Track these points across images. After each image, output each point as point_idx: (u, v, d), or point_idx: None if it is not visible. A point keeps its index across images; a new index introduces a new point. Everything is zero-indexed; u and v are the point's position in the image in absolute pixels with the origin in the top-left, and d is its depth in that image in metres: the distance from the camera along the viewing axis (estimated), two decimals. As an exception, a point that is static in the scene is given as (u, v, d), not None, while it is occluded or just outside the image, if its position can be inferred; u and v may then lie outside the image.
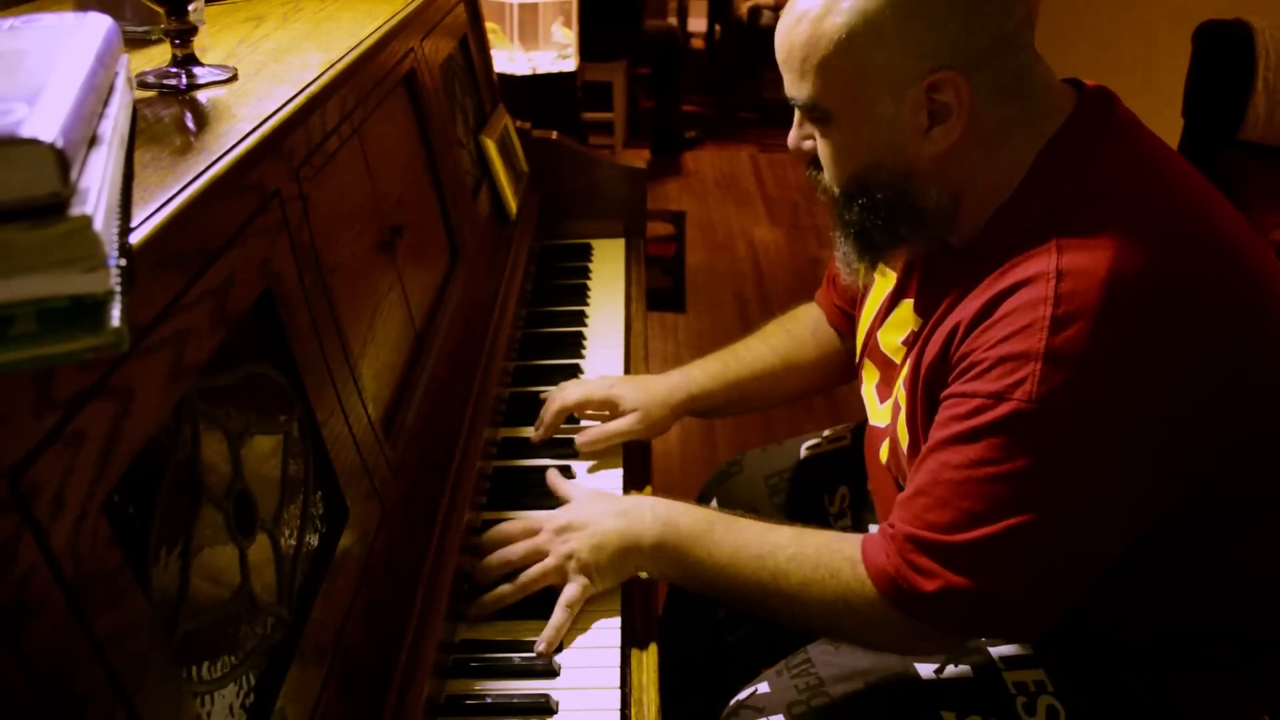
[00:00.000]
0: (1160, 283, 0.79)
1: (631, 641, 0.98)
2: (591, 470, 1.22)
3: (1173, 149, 0.90)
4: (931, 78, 0.83)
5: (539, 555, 1.00)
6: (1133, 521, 0.83)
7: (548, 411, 1.26)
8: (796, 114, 0.94)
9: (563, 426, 1.26)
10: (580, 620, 0.99)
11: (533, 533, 1.02)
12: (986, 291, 0.84)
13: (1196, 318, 0.79)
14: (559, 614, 0.97)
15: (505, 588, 0.99)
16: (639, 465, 1.25)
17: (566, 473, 1.21)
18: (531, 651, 0.95)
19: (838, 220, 0.95)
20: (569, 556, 0.99)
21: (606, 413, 1.27)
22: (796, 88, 0.89)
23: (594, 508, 1.03)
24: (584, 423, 1.28)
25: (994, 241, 0.87)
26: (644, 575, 1.03)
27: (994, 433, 0.80)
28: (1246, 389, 0.81)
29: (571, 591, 0.98)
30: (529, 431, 1.27)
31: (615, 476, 1.21)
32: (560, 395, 1.27)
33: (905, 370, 0.97)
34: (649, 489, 1.22)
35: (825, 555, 0.91)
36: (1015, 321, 0.80)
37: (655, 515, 0.99)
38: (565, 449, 1.25)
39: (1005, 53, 0.84)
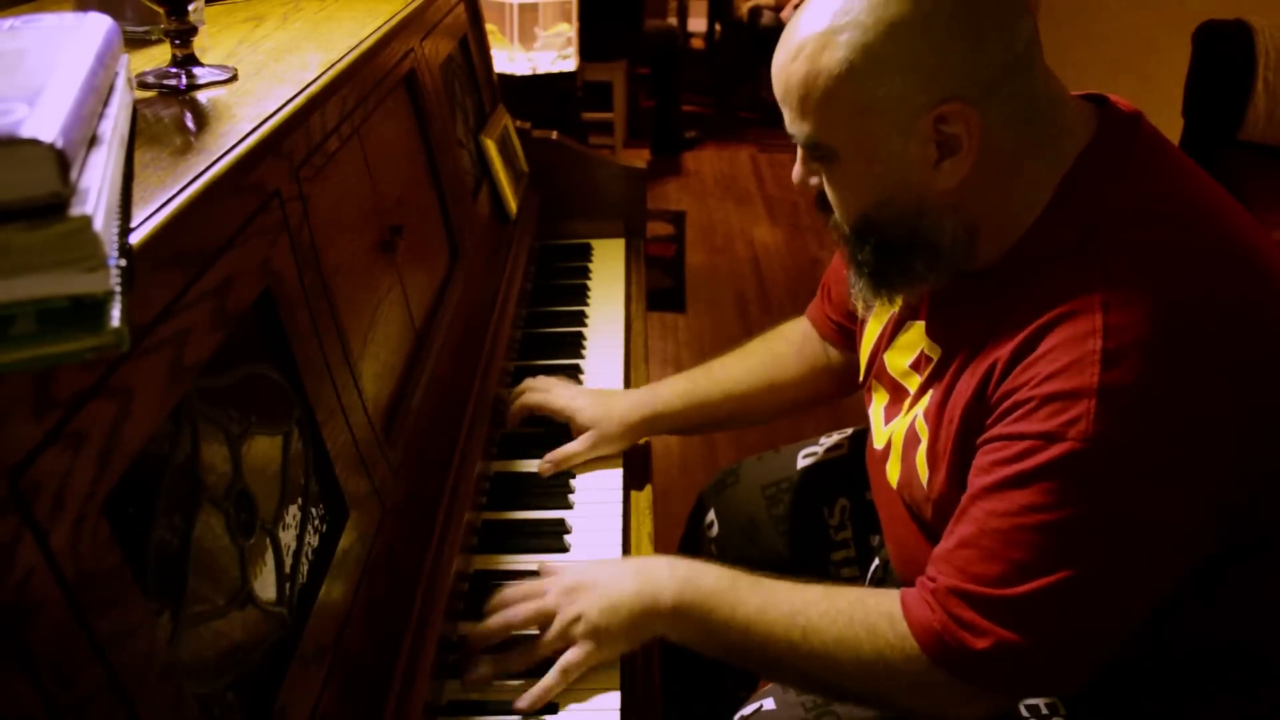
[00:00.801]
0: (1209, 309, 0.76)
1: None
2: (590, 470, 1.22)
3: (1198, 166, 0.87)
4: (938, 109, 0.79)
5: (545, 617, 0.92)
6: (1180, 562, 0.80)
7: (514, 407, 1.26)
8: (799, 150, 0.90)
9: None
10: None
11: (538, 594, 0.94)
12: (1024, 325, 0.80)
13: (1247, 343, 0.77)
14: (553, 676, 0.88)
15: (510, 656, 0.91)
16: (639, 466, 1.25)
17: (569, 438, 1.21)
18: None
19: (850, 260, 0.91)
20: (576, 619, 0.90)
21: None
22: (797, 126, 0.85)
23: (605, 568, 0.96)
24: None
25: (1021, 267, 0.84)
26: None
27: (1046, 476, 0.76)
28: None
29: (573, 656, 0.89)
30: (529, 432, 1.28)
31: (615, 477, 1.21)
32: (526, 395, 1.26)
33: (926, 403, 0.92)
34: (649, 488, 1.23)
35: (861, 611, 0.86)
36: (1062, 357, 0.76)
37: (674, 573, 0.92)
38: (565, 439, 1.24)
39: (1014, 77, 0.80)
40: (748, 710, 1.00)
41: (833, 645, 0.85)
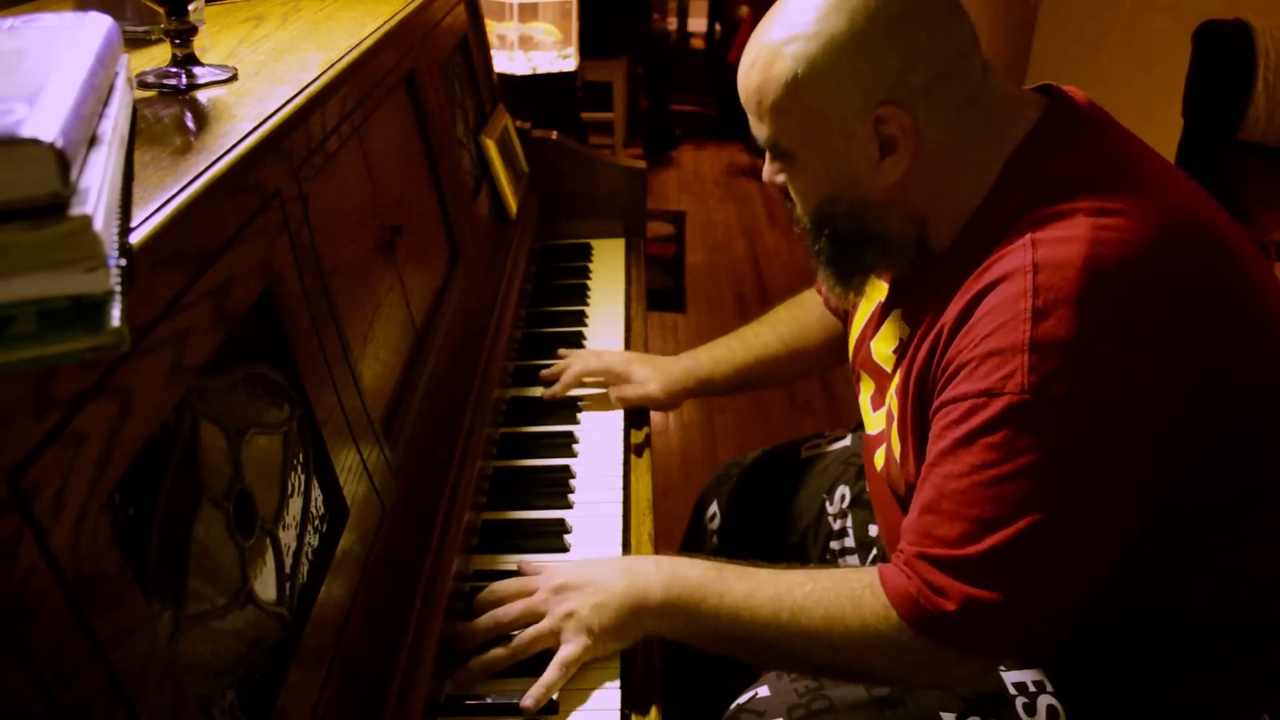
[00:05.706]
0: (1136, 264, 0.79)
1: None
2: (590, 469, 1.22)
3: (1144, 142, 0.92)
4: (876, 113, 0.86)
5: (534, 616, 0.93)
6: (1133, 513, 0.82)
7: (569, 373, 1.32)
8: (767, 151, 0.97)
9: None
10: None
11: (527, 593, 0.95)
12: (965, 294, 0.85)
13: (1174, 297, 0.80)
14: (553, 672, 0.89)
15: (498, 651, 0.92)
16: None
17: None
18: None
19: (810, 250, 0.99)
20: (568, 616, 0.92)
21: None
22: (757, 128, 0.94)
23: (593, 567, 0.97)
24: (585, 391, 1.34)
25: (970, 244, 0.88)
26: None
27: (990, 431, 0.79)
28: (1226, 367, 0.81)
29: (569, 650, 0.90)
30: (529, 431, 1.28)
31: (615, 477, 1.21)
32: (581, 361, 1.34)
33: (897, 379, 0.97)
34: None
35: (845, 587, 0.88)
36: (996, 318, 0.80)
37: (660, 569, 0.94)
38: (565, 439, 1.26)
39: (948, 81, 0.86)
40: (743, 698, 1.01)
41: (821, 622, 0.87)
